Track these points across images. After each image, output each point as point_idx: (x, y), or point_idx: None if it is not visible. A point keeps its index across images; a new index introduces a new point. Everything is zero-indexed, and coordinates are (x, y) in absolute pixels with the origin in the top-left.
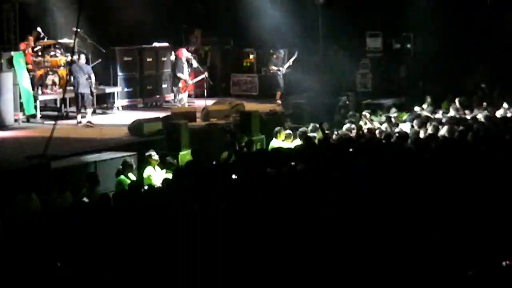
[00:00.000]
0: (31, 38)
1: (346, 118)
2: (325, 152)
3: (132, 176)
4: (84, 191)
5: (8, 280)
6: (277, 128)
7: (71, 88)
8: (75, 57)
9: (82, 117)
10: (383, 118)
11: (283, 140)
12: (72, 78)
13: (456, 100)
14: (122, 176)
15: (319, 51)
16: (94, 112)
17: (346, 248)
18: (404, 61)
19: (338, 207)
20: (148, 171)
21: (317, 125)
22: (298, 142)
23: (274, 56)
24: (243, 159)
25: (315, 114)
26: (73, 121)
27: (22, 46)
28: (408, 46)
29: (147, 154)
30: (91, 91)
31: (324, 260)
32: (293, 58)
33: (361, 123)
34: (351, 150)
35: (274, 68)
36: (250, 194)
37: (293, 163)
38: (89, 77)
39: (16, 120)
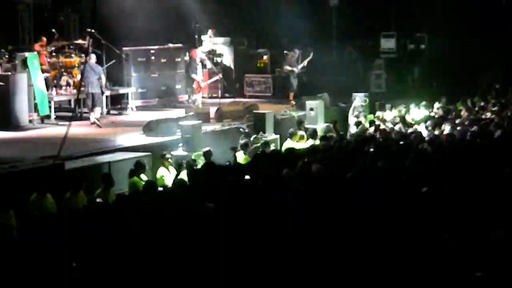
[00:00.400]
0: (45, 39)
1: (359, 118)
2: (340, 152)
3: (145, 177)
4: (98, 192)
5: (23, 280)
6: (291, 129)
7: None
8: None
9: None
10: (397, 118)
11: (297, 141)
12: (83, 78)
13: (468, 100)
14: (135, 177)
15: (333, 52)
16: (108, 113)
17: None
18: (418, 62)
19: (352, 207)
20: (162, 172)
21: (330, 125)
22: (311, 142)
23: (289, 55)
24: (258, 160)
25: (329, 114)
26: (88, 122)
27: (37, 47)
28: (422, 46)
29: (161, 154)
30: (102, 91)
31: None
32: (308, 59)
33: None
34: (366, 150)
35: (289, 68)
36: (264, 195)
37: (306, 160)
38: (100, 77)
39: (30, 121)
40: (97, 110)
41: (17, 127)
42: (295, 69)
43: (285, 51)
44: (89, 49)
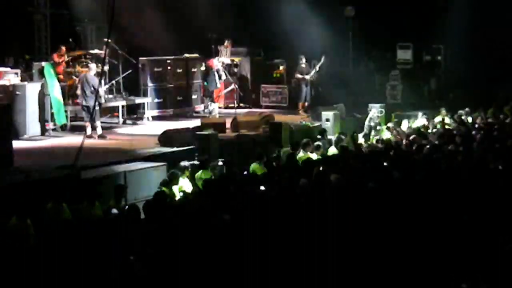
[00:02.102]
0: (63, 49)
1: (375, 129)
2: (357, 162)
3: (176, 189)
4: (112, 202)
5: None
6: (305, 140)
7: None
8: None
9: (92, 129)
10: (411, 129)
11: (311, 152)
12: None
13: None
14: (164, 187)
15: (350, 62)
16: (124, 122)
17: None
18: (435, 73)
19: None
20: (181, 182)
21: (342, 136)
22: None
23: (300, 63)
24: (274, 171)
25: (345, 125)
26: (104, 132)
27: (55, 56)
28: (439, 58)
29: (181, 165)
30: (99, 103)
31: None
32: (320, 64)
33: (388, 134)
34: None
35: (299, 76)
36: (280, 206)
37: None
38: (94, 89)
39: (47, 130)
40: (98, 124)
41: (33, 136)
42: (306, 76)
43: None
44: (105, 59)
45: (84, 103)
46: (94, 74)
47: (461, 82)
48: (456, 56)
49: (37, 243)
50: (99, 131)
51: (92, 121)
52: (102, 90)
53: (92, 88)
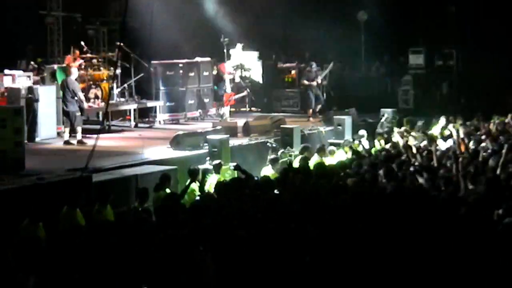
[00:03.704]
0: (78, 52)
1: (387, 134)
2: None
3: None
4: (136, 206)
5: None
6: (319, 145)
7: (113, 101)
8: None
9: (70, 136)
10: (420, 133)
11: (325, 157)
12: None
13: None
14: (160, 192)
15: (361, 67)
16: (136, 126)
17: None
18: (447, 78)
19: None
20: (194, 186)
21: (350, 140)
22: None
23: (307, 69)
24: (286, 175)
25: (356, 130)
26: (115, 135)
27: (68, 59)
28: (451, 62)
29: (192, 168)
30: (80, 108)
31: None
32: (328, 69)
33: (398, 139)
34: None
35: (306, 82)
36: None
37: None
38: (75, 95)
39: (58, 133)
40: (79, 130)
41: (45, 139)
42: (313, 83)
43: (301, 64)
44: (117, 62)
45: (64, 108)
46: (76, 79)
47: (474, 87)
48: (469, 61)
49: (48, 247)
50: (78, 136)
51: (71, 126)
52: (82, 95)
53: (72, 93)
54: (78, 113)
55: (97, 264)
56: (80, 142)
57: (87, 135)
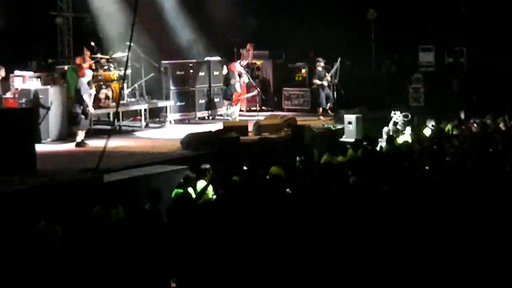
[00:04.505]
0: (88, 53)
1: (400, 132)
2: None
3: (191, 191)
4: (148, 206)
5: None
6: (329, 143)
7: (124, 102)
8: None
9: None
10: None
11: (336, 155)
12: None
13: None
14: (181, 189)
15: (372, 65)
16: (146, 126)
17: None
18: (457, 76)
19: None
20: (201, 184)
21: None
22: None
23: (316, 68)
24: (297, 174)
25: (367, 128)
26: (127, 136)
27: (78, 60)
28: (461, 60)
29: (202, 167)
30: (84, 112)
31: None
32: (334, 69)
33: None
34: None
35: (318, 82)
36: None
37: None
38: (81, 96)
39: (69, 134)
40: (79, 133)
41: (56, 140)
42: (324, 82)
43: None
44: (128, 62)
45: (72, 109)
46: (89, 82)
47: (484, 85)
48: (479, 59)
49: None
50: (78, 139)
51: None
52: (88, 98)
53: (80, 95)
54: (83, 116)
55: (130, 258)
56: (78, 144)
57: (98, 136)
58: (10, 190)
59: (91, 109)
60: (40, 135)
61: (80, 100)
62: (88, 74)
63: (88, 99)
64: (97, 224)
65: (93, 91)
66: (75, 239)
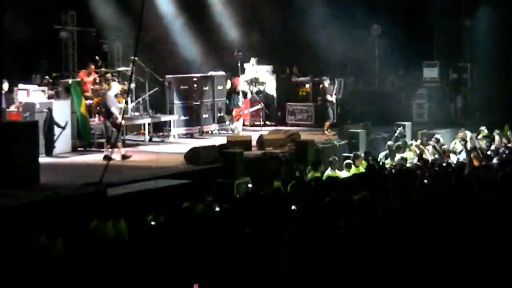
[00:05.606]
0: (93, 67)
1: (402, 148)
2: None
3: None
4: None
5: None
6: (331, 158)
7: (128, 116)
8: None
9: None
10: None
11: (339, 170)
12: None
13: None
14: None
15: (376, 80)
16: (150, 140)
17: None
18: (461, 92)
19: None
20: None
21: (358, 153)
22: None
23: (325, 86)
24: (300, 189)
25: (371, 143)
26: (130, 149)
27: (82, 74)
28: (465, 76)
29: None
30: (113, 124)
31: None
32: (336, 85)
33: (412, 153)
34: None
35: (330, 98)
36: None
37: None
38: (109, 109)
39: (73, 148)
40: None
41: (59, 153)
42: (333, 98)
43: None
44: (132, 76)
45: (105, 125)
46: (116, 95)
47: (488, 101)
48: (483, 74)
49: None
50: (106, 151)
51: (109, 140)
52: (116, 110)
53: (107, 108)
54: (114, 129)
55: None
56: (106, 157)
57: (102, 150)
58: (13, 204)
59: (120, 120)
60: (52, 149)
61: (109, 114)
62: (115, 87)
63: (117, 112)
64: (93, 239)
65: (122, 105)
66: (77, 254)
